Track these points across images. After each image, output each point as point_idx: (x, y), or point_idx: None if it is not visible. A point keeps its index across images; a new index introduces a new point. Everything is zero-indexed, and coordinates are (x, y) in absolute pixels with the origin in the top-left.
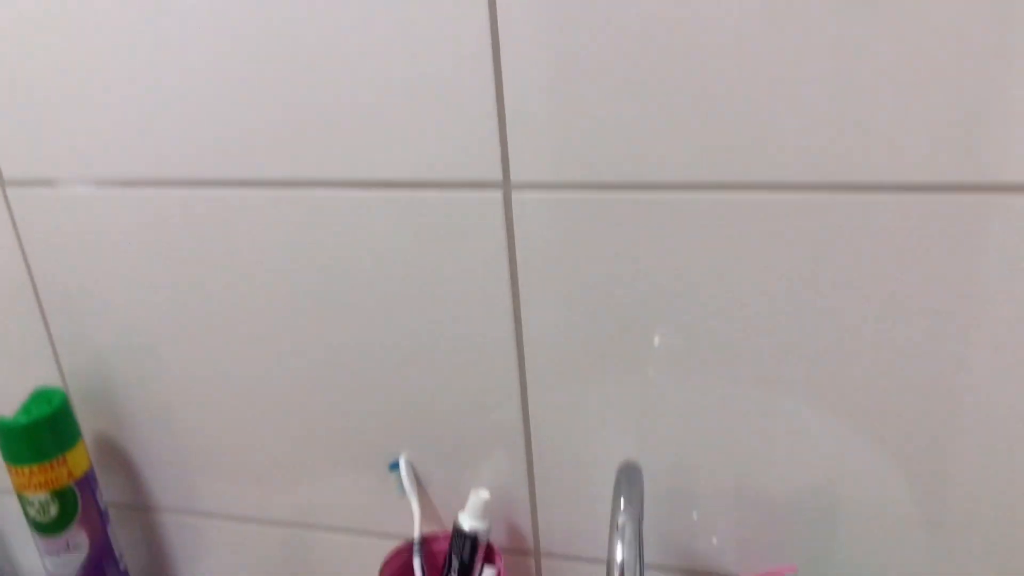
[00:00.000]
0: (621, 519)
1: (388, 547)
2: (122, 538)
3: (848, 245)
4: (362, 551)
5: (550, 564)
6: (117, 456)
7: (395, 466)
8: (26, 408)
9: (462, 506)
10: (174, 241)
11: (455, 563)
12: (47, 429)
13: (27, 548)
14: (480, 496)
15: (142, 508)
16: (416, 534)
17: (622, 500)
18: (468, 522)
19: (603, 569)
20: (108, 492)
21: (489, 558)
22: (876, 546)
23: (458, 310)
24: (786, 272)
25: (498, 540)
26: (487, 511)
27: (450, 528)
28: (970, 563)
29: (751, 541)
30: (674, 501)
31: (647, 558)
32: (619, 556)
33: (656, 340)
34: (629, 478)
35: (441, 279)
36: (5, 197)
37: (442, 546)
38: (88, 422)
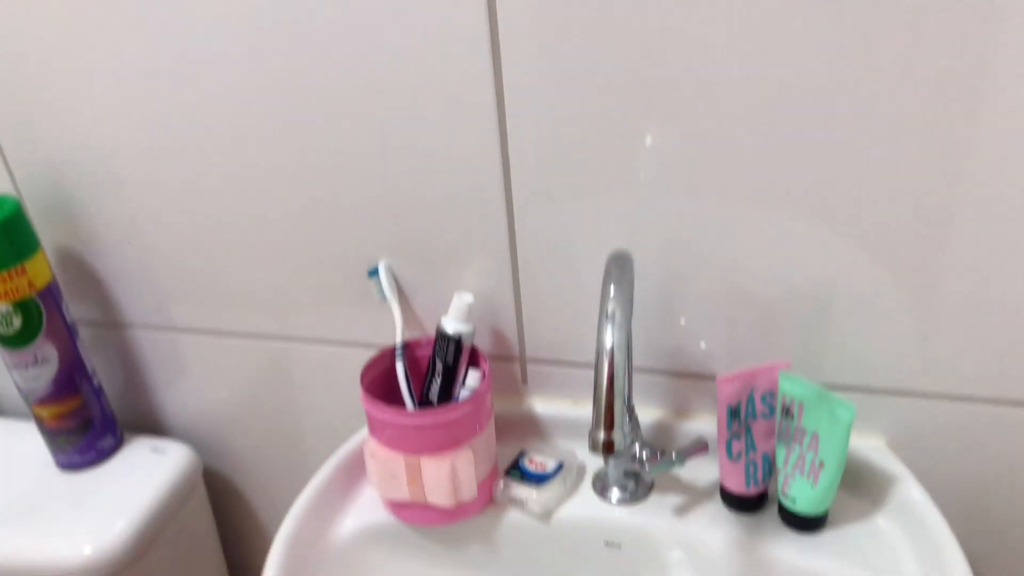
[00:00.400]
0: (611, 305)
1: (370, 357)
2: (96, 356)
3: (845, 35)
4: (343, 362)
5: (536, 369)
6: (84, 271)
7: (374, 272)
8: None
9: (445, 312)
10: (133, 34)
11: (439, 367)
12: (1, 236)
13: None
14: (463, 299)
15: (114, 325)
16: (398, 338)
17: (612, 287)
18: (451, 325)
19: (591, 374)
20: (78, 309)
21: (474, 362)
22: (867, 344)
23: (439, 103)
24: (780, 60)
25: (483, 347)
26: (471, 314)
27: (433, 335)
28: (959, 360)
29: (742, 342)
30: (664, 303)
31: (636, 362)
32: (608, 340)
33: (648, 140)
34: (619, 266)
35: (422, 69)
36: None
37: (425, 352)
38: (48, 234)
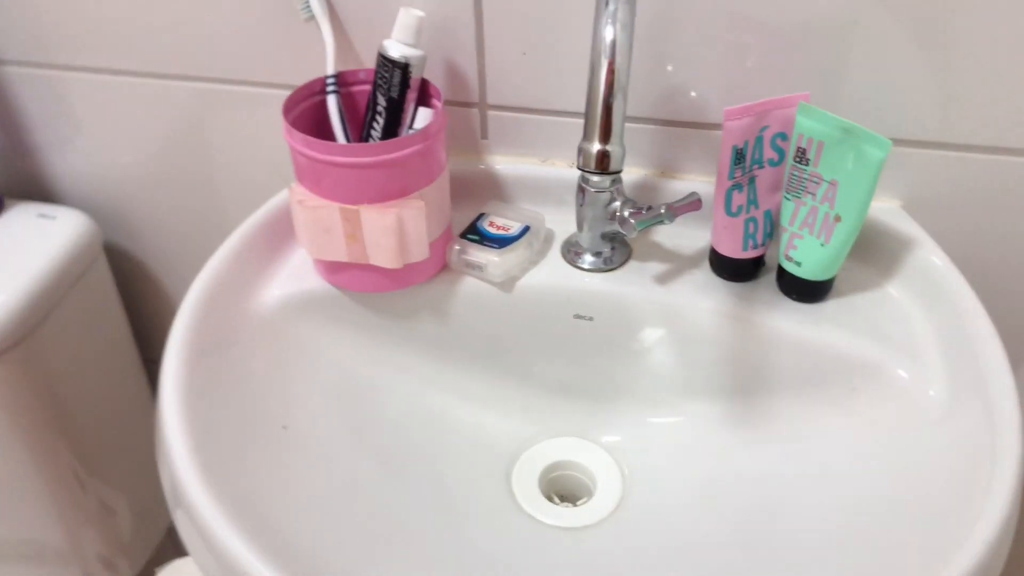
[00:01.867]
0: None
1: None
2: None
3: None
4: (265, 107)
5: (499, 118)
6: None
7: None
8: None
9: (388, 37)
10: None
11: (381, 102)
12: None
13: None
14: (411, 14)
15: None
16: (329, 67)
17: None
18: (397, 48)
19: (566, 123)
20: None
21: (423, 101)
22: (883, 89)
23: None
24: None
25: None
26: (420, 35)
27: (373, 67)
28: (989, 108)
29: (740, 85)
30: (650, 43)
31: (633, 111)
32: (609, 34)
33: None
34: None
35: None
36: None
37: (363, 87)
38: None
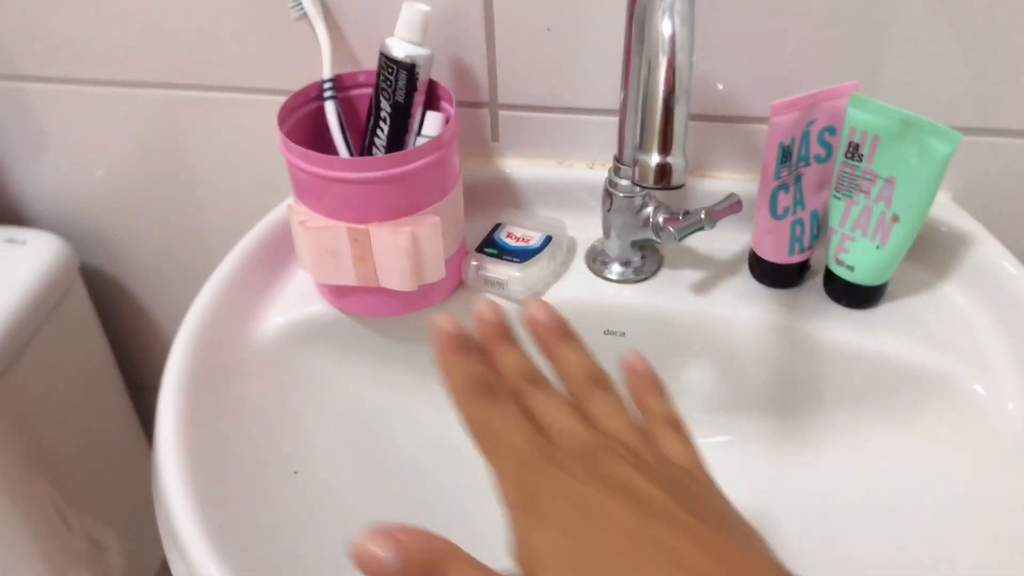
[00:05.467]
0: None
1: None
2: None
3: None
4: (254, 117)
5: (511, 119)
6: None
7: None
8: None
9: (391, 35)
10: None
11: (385, 107)
12: None
13: None
14: (416, 9)
15: None
16: (326, 70)
17: None
18: (401, 47)
19: (586, 121)
20: None
21: (430, 104)
22: (925, 73)
23: None
24: None
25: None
26: (427, 33)
27: (374, 66)
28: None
29: (793, 62)
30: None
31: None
32: (667, 28)
33: None
34: None
35: None
36: None
37: (364, 90)
38: None
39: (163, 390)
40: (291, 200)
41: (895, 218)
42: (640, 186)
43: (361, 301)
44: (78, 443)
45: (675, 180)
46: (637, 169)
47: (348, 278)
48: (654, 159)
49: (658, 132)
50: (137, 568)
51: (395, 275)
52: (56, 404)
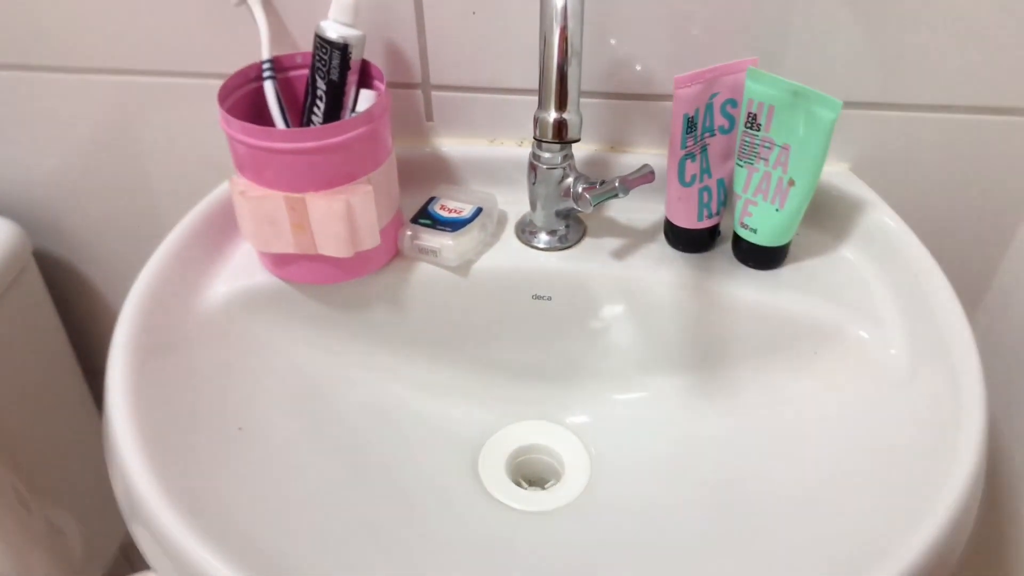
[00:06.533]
0: None
1: None
2: None
3: None
4: (198, 99)
5: (443, 99)
6: None
7: None
8: None
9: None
10: None
11: (321, 86)
12: None
13: None
14: None
15: None
16: (264, 51)
17: None
18: (335, 29)
19: (514, 100)
20: None
21: (365, 83)
22: (823, 53)
23: None
24: None
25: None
26: (358, 15)
27: (310, 48)
28: (932, 66)
29: (703, 41)
30: (606, 9)
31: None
32: (559, 0)
33: None
34: None
35: None
36: None
37: (300, 72)
38: None
39: (111, 362)
40: (234, 175)
41: (791, 182)
42: (539, 141)
43: (301, 269)
44: (35, 427)
45: (571, 134)
46: (537, 126)
47: (287, 246)
48: (551, 116)
49: (554, 92)
50: (95, 550)
51: (332, 242)
52: (12, 388)
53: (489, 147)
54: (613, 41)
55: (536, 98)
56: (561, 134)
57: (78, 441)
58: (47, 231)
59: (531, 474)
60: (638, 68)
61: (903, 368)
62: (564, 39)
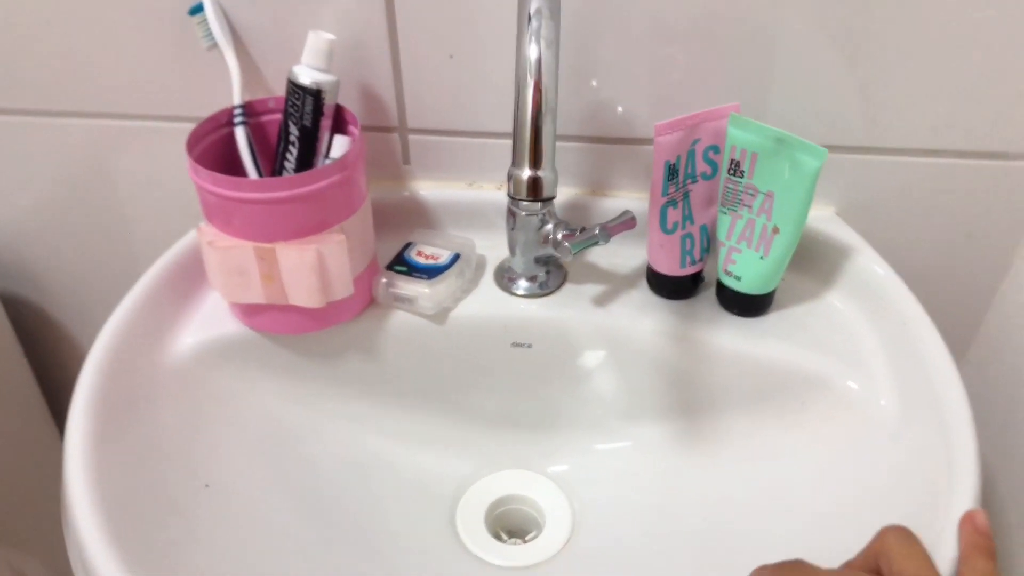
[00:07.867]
0: (534, 4)
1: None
2: None
3: None
4: (170, 144)
5: (420, 142)
6: None
7: (198, 8)
8: None
9: (298, 62)
10: None
11: (293, 132)
12: None
13: None
14: (321, 37)
15: None
16: (235, 96)
17: None
18: (307, 74)
19: (493, 144)
20: None
21: (339, 128)
22: (807, 98)
23: None
24: None
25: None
26: (332, 59)
27: (283, 93)
28: (915, 111)
29: (667, 96)
30: (572, 59)
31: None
32: (534, 52)
33: None
34: None
35: None
36: None
37: (273, 116)
38: None
39: (71, 419)
40: (203, 224)
41: (775, 230)
42: (513, 198)
43: (272, 319)
44: (1, 471)
45: (545, 192)
46: (511, 183)
47: (257, 296)
48: (525, 173)
49: (528, 149)
50: None
51: (303, 292)
52: None
53: (467, 190)
54: (594, 83)
55: None
56: (536, 192)
57: (47, 487)
58: (16, 275)
59: (511, 525)
60: (620, 110)
61: (893, 419)
62: (538, 93)
